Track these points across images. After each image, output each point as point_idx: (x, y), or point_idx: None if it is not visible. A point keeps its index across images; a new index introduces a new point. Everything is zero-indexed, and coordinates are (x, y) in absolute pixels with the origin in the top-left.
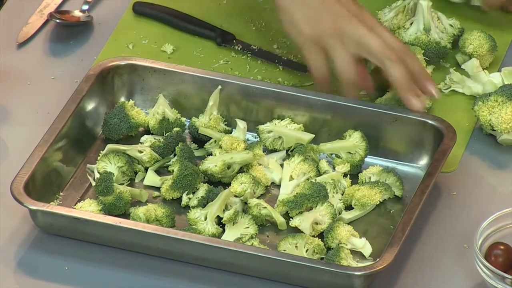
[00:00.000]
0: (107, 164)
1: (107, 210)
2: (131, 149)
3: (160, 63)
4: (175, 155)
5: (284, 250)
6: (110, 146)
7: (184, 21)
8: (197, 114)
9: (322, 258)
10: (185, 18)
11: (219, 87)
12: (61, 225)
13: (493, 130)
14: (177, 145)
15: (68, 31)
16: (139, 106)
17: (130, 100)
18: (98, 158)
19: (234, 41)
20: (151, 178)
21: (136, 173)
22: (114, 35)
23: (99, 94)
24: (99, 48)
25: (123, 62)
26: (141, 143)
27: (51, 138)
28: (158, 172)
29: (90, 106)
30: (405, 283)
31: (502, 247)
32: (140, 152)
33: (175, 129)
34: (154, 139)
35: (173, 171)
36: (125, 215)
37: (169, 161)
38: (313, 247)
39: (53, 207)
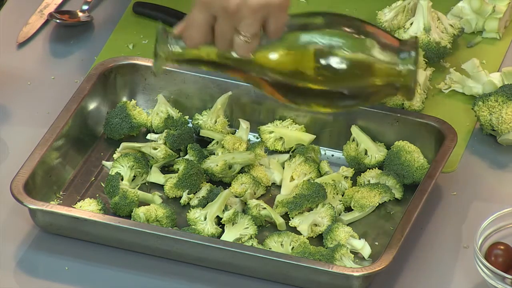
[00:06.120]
0: (119, 166)
1: (114, 210)
2: (146, 146)
3: None
4: (180, 155)
5: (270, 248)
6: (124, 144)
7: None
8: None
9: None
10: None
11: (230, 92)
12: (61, 224)
13: (493, 130)
14: (190, 138)
15: (68, 31)
16: (141, 106)
17: (132, 99)
18: (114, 155)
19: None
20: (155, 175)
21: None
22: (114, 35)
23: (100, 93)
24: (99, 48)
25: (125, 62)
26: (153, 141)
27: (51, 137)
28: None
29: (91, 105)
30: (405, 284)
31: (502, 247)
32: (155, 149)
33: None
34: (166, 132)
35: (177, 169)
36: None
37: (174, 159)
38: (299, 245)
39: (53, 207)
